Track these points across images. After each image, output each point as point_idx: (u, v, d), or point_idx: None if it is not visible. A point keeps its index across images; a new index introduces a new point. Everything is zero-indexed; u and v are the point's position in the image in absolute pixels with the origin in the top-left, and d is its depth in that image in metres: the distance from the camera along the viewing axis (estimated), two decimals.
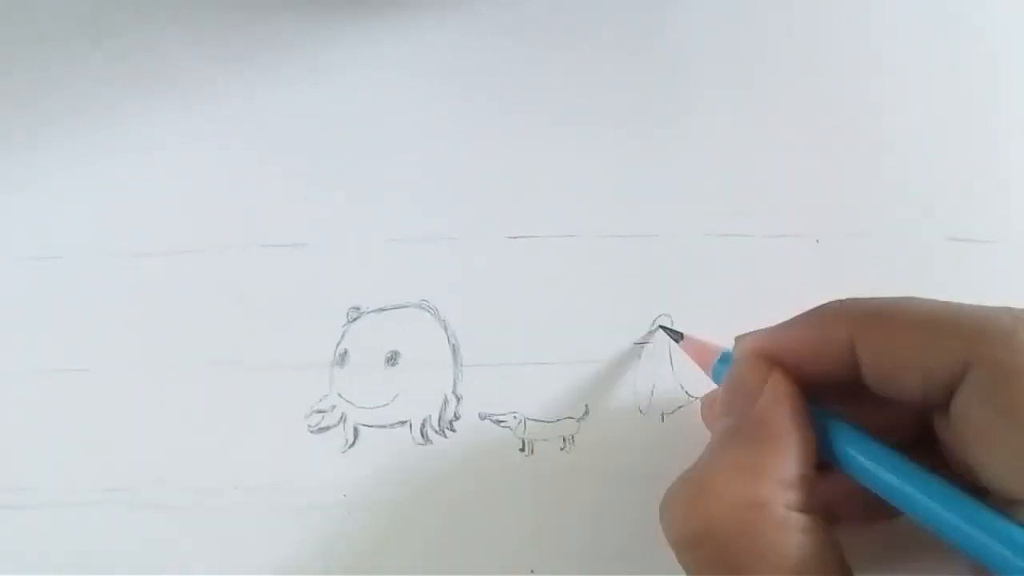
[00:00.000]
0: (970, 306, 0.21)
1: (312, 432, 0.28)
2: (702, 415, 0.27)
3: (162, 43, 0.32)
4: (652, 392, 0.29)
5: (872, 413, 0.22)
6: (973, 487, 0.20)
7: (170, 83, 0.32)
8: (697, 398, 0.28)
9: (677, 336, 0.28)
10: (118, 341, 0.30)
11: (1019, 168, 0.31)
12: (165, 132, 0.32)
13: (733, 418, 0.22)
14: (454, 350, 0.29)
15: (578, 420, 0.28)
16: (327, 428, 0.29)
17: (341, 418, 0.29)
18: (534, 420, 0.28)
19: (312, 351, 0.29)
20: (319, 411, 0.29)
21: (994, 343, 0.19)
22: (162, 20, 0.33)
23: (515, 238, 0.30)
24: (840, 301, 0.23)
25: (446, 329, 0.29)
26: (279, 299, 0.30)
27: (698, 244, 0.30)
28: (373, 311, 0.30)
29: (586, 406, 0.28)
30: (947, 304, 0.21)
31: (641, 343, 0.29)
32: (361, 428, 0.29)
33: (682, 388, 0.29)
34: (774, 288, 0.30)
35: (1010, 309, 0.20)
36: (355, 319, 0.30)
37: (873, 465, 0.21)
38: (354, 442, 0.28)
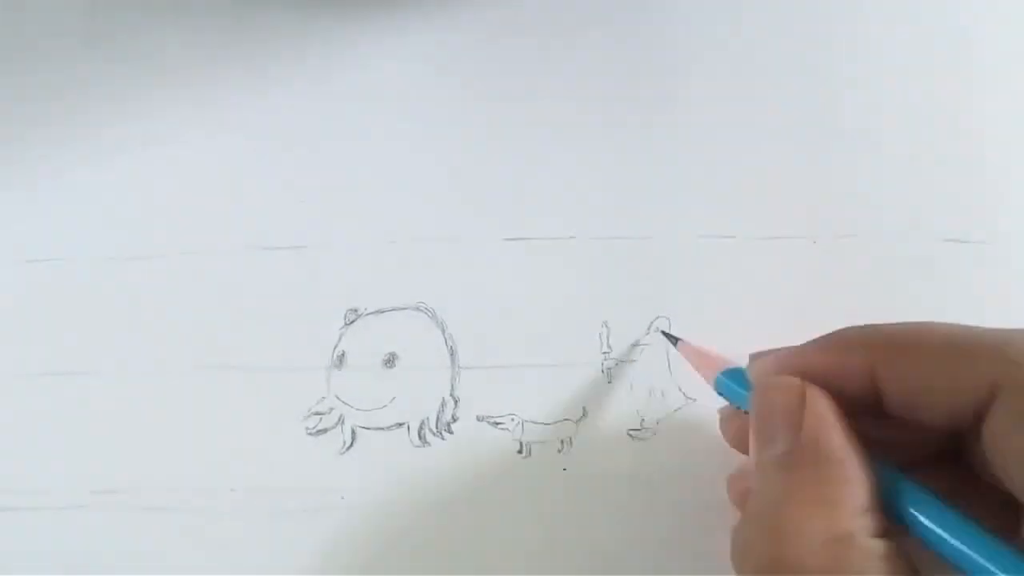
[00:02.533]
0: (991, 330, 0.20)
1: (310, 434, 0.28)
2: (721, 430, 0.27)
3: (160, 44, 0.32)
4: (650, 394, 0.29)
5: (892, 433, 0.22)
6: (1008, 499, 0.20)
7: (168, 85, 0.32)
8: (694, 400, 0.28)
9: (674, 340, 0.28)
10: (116, 344, 0.30)
11: (1013, 169, 0.31)
12: (164, 134, 0.32)
13: (782, 444, 0.21)
14: (452, 352, 0.29)
15: (576, 422, 0.28)
16: (325, 430, 0.29)
17: (339, 420, 0.29)
18: (532, 422, 0.28)
19: (310, 353, 0.29)
20: (317, 413, 0.29)
21: (1021, 365, 0.19)
22: (160, 21, 0.32)
23: (512, 240, 0.30)
24: (858, 328, 0.23)
25: (444, 331, 0.29)
26: (277, 301, 0.30)
27: (695, 246, 0.30)
28: (371, 313, 0.30)
29: (584, 408, 0.29)
30: (967, 328, 0.21)
31: (639, 345, 0.29)
32: (359, 430, 0.29)
33: (680, 390, 0.29)
34: (770, 289, 0.30)
35: None
36: (353, 321, 0.30)
37: (944, 532, 0.20)
38: (352, 444, 0.28)
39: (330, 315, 0.30)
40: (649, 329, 0.29)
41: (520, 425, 0.28)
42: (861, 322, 0.29)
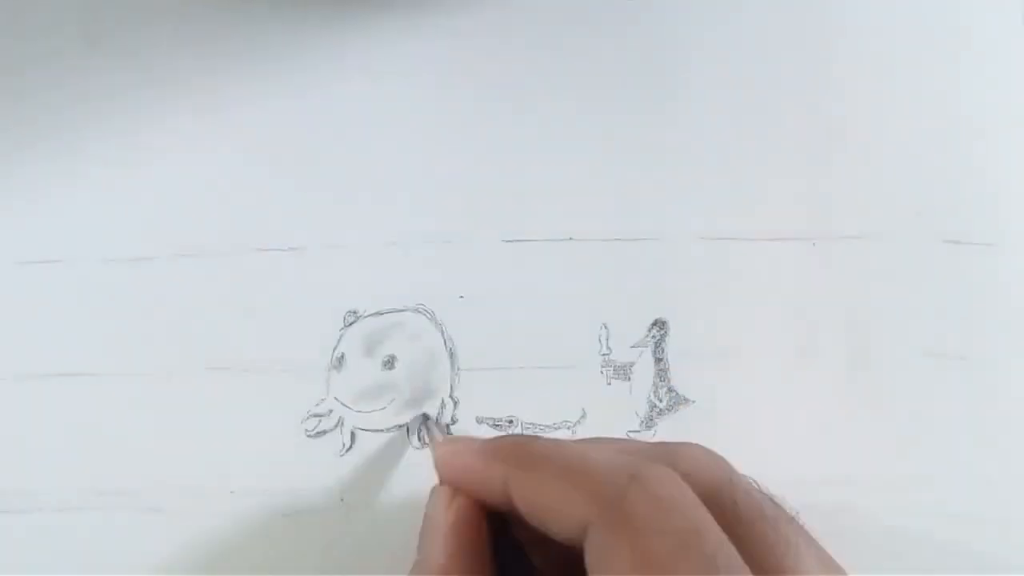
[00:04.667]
0: (606, 455, 0.20)
1: (309, 436, 0.28)
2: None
3: (160, 47, 0.32)
4: (648, 396, 0.29)
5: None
6: None
7: (168, 86, 0.32)
8: (693, 401, 0.28)
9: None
10: (116, 345, 0.30)
11: (1014, 171, 0.31)
12: (163, 135, 0.32)
13: (419, 554, 0.22)
14: (451, 354, 0.29)
15: (575, 424, 0.28)
16: (324, 432, 0.29)
17: (338, 422, 0.29)
18: (531, 424, 0.28)
19: (309, 355, 0.29)
20: (316, 415, 0.29)
21: (606, 505, 0.19)
22: (160, 23, 0.32)
23: (511, 242, 0.30)
24: (501, 438, 0.23)
25: (443, 333, 0.29)
26: (276, 303, 0.30)
27: (694, 247, 0.30)
28: (370, 315, 0.30)
29: (583, 410, 0.29)
30: (588, 450, 0.21)
31: (638, 346, 0.29)
32: (358, 432, 0.29)
33: (679, 392, 0.29)
34: (770, 291, 0.30)
35: (633, 463, 0.20)
36: (352, 323, 0.30)
37: None
38: (351, 446, 0.28)
39: (329, 317, 0.30)
40: (648, 330, 0.29)
41: (519, 426, 0.28)
42: (860, 324, 0.29)
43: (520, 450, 0.22)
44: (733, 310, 0.29)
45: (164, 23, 0.33)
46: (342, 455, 0.28)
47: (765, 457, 0.28)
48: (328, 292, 0.30)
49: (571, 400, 0.29)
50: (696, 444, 0.22)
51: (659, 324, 0.29)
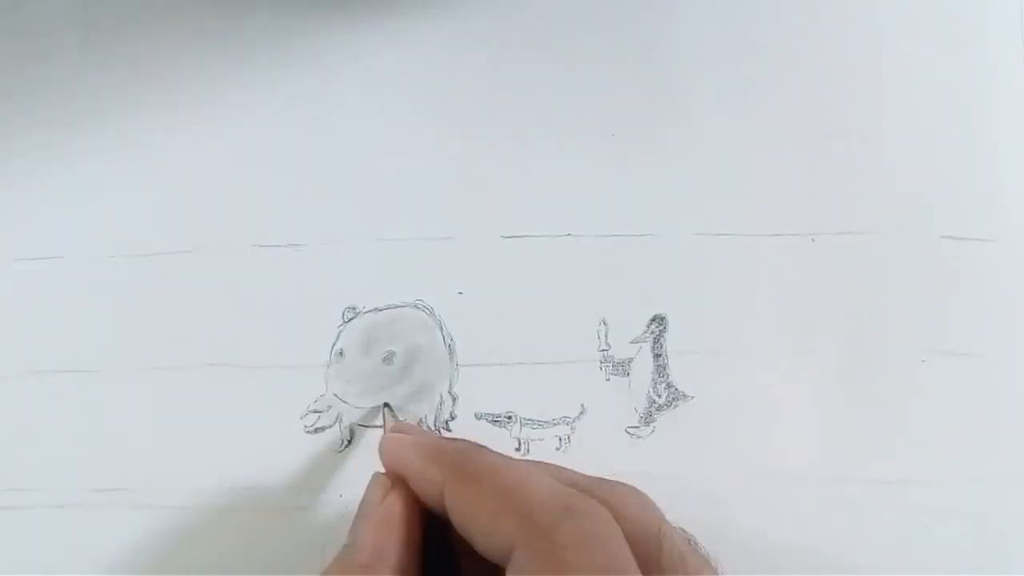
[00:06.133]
0: (545, 481, 0.21)
1: (308, 432, 0.29)
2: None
3: (158, 44, 0.32)
4: (647, 391, 0.29)
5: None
6: None
7: (167, 84, 0.32)
8: (692, 397, 0.28)
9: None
10: (115, 341, 0.30)
11: (1013, 166, 0.31)
12: (162, 133, 0.32)
13: (348, 537, 0.22)
14: (450, 350, 0.29)
15: (574, 420, 0.28)
16: (323, 428, 0.29)
17: (337, 418, 0.29)
18: (530, 420, 0.28)
19: (308, 351, 0.29)
20: (315, 411, 0.29)
21: (535, 532, 0.19)
22: (158, 21, 0.32)
23: (510, 238, 0.30)
24: (447, 442, 0.24)
25: (442, 329, 0.29)
26: (275, 299, 0.30)
27: (693, 243, 0.30)
28: (369, 311, 0.30)
29: (582, 406, 0.29)
30: (530, 475, 0.21)
31: (636, 342, 0.29)
32: (357, 428, 0.29)
33: (677, 387, 0.29)
34: (769, 287, 0.30)
35: (569, 495, 0.20)
36: (351, 319, 0.30)
37: None
38: (350, 442, 0.28)
39: (328, 313, 0.30)
40: (647, 326, 0.29)
41: (518, 422, 0.28)
42: (859, 320, 0.29)
43: (462, 458, 0.22)
44: (732, 306, 0.29)
45: (163, 23, 0.33)
46: (341, 451, 0.28)
47: (762, 453, 0.28)
48: (327, 288, 0.30)
49: (570, 396, 0.29)
50: (633, 488, 0.23)
51: (658, 320, 0.29)
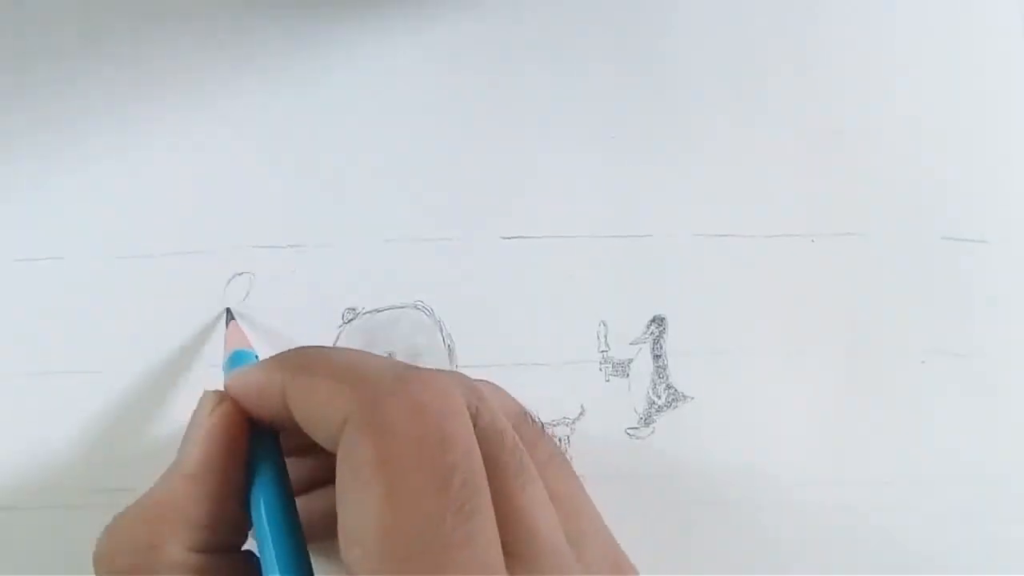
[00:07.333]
0: (375, 361, 0.20)
1: None
2: None
3: (159, 44, 0.32)
4: (647, 392, 0.29)
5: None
6: None
7: (168, 84, 0.32)
8: (692, 398, 0.29)
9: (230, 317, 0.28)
10: (116, 343, 0.30)
11: (1013, 167, 0.31)
12: (162, 133, 0.32)
13: (177, 455, 0.22)
14: (450, 351, 0.29)
15: (573, 420, 0.28)
16: None
17: None
18: None
19: None
20: None
21: (364, 403, 0.18)
22: (159, 21, 0.32)
23: (510, 239, 0.30)
24: (292, 350, 0.23)
25: (441, 330, 0.29)
26: (274, 300, 0.30)
27: (692, 244, 0.30)
28: (369, 312, 0.30)
29: (581, 407, 0.29)
30: (368, 355, 0.21)
31: (636, 343, 0.29)
32: None
33: (677, 388, 0.29)
34: (769, 287, 0.30)
35: (405, 367, 0.20)
36: (351, 320, 0.30)
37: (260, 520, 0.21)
38: None
39: (328, 314, 0.30)
40: (647, 327, 0.29)
41: None
42: (859, 321, 0.29)
43: (300, 356, 0.22)
44: (731, 307, 0.29)
45: (163, 22, 0.33)
46: None
47: (762, 453, 0.28)
48: (326, 289, 0.30)
49: (570, 397, 0.29)
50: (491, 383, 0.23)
51: (658, 321, 0.29)
